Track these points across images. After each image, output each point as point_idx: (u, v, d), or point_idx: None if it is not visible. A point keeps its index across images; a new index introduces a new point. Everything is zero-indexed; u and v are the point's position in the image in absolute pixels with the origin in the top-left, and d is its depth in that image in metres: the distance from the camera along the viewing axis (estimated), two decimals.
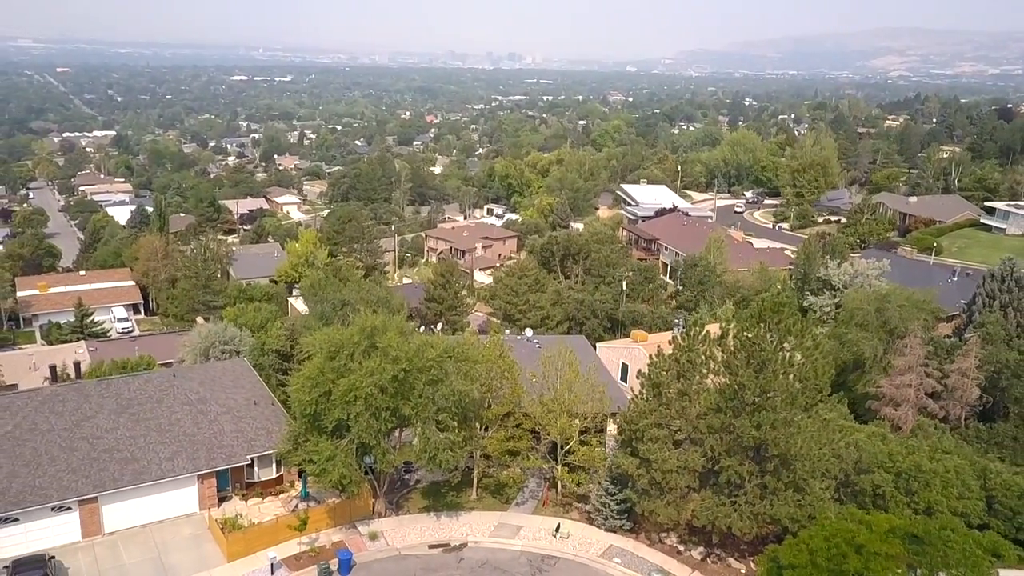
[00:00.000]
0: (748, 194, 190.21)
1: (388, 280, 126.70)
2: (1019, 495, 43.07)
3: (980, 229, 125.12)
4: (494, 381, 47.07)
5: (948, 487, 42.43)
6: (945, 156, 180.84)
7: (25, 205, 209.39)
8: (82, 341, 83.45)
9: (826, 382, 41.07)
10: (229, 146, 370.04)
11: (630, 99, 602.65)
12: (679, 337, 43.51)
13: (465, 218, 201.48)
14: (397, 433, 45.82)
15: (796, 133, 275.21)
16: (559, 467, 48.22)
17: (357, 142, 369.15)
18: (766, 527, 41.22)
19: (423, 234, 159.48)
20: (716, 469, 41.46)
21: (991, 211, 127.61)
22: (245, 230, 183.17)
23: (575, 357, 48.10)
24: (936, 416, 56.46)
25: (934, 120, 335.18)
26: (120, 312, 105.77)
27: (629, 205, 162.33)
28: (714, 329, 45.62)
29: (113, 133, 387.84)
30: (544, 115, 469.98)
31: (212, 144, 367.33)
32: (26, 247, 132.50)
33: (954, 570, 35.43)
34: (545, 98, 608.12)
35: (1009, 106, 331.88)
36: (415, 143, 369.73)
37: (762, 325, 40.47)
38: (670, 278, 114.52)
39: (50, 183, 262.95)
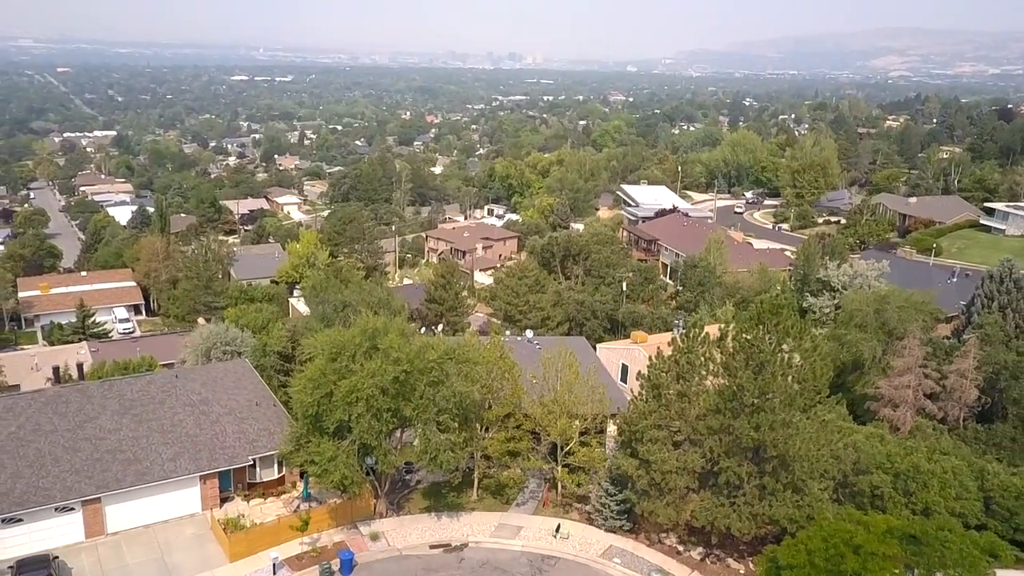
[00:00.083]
0: (748, 194, 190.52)
1: (388, 281, 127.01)
2: (1016, 496, 43.33)
3: (980, 230, 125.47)
4: (494, 382, 47.34)
5: (946, 488, 42.72)
6: (945, 157, 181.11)
7: (26, 205, 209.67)
8: (84, 342, 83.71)
9: (824, 383, 41.31)
10: (230, 146, 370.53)
11: (630, 99, 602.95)
12: (678, 339, 43.77)
13: (465, 218, 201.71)
14: (398, 434, 46.10)
15: (796, 133, 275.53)
16: (559, 468, 48.48)
17: (357, 142, 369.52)
18: (765, 528, 41.46)
19: (424, 235, 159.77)
20: (715, 470, 41.73)
21: (991, 212, 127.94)
22: (246, 230, 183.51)
23: (575, 358, 48.35)
24: (934, 417, 56.70)
25: (934, 120, 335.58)
26: (121, 313, 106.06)
27: (629, 206, 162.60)
28: (713, 330, 45.87)
29: (114, 133, 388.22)
30: (544, 115, 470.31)
31: (213, 144, 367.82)
32: (27, 247, 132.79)
33: (951, 570, 35.68)
34: (545, 98, 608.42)
35: (1009, 106, 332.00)
36: (415, 143, 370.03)
37: (761, 327, 40.70)
38: (670, 279, 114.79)
39: (51, 183, 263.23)
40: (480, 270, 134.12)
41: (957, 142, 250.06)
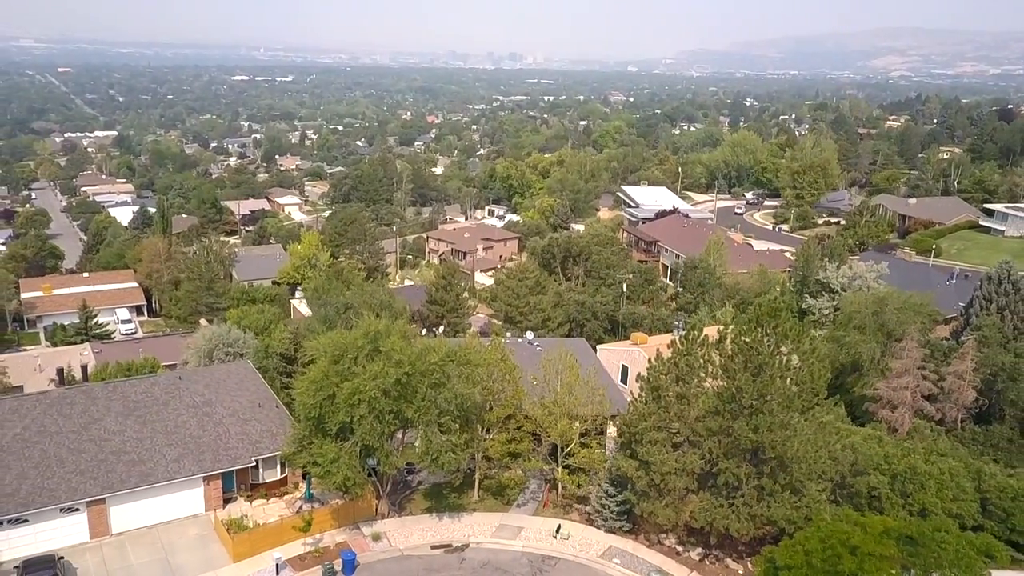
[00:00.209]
0: (748, 195, 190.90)
1: (389, 282, 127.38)
2: (1013, 497, 43.72)
3: (979, 231, 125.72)
4: (495, 384, 47.73)
5: (943, 489, 43.12)
6: (945, 157, 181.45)
7: (28, 206, 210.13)
8: (87, 343, 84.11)
9: (822, 385, 41.67)
10: (231, 146, 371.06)
11: (631, 99, 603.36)
12: (678, 341, 44.13)
13: (466, 219, 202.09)
14: (400, 435, 46.50)
15: (797, 134, 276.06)
16: (559, 469, 48.86)
17: (358, 142, 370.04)
18: (763, 528, 41.83)
19: (424, 235, 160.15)
20: (714, 471, 42.11)
21: (990, 213, 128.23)
22: (247, 231, 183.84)
23: (575, 360, 48.72)
24: (932, 418, 57.11)
25: (935, 121, 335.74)
26: (123, 314, 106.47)
27: (629, 207, 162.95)
28: (712, 332, 46.24)
29: (115, 133, 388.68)
30: (545, 115, 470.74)
31: (214, 144, 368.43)
32: (29, 248, 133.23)
33: (947, 571, 36.04)
34: (546, 98, 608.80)
35: (1010, 107, 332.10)
36: (416, 143, 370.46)
37: (759, 329, 41.05)
38: (670, 280, 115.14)
39: (52, 184, 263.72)
40: (481, 271, 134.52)
41: (957, 143, 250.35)
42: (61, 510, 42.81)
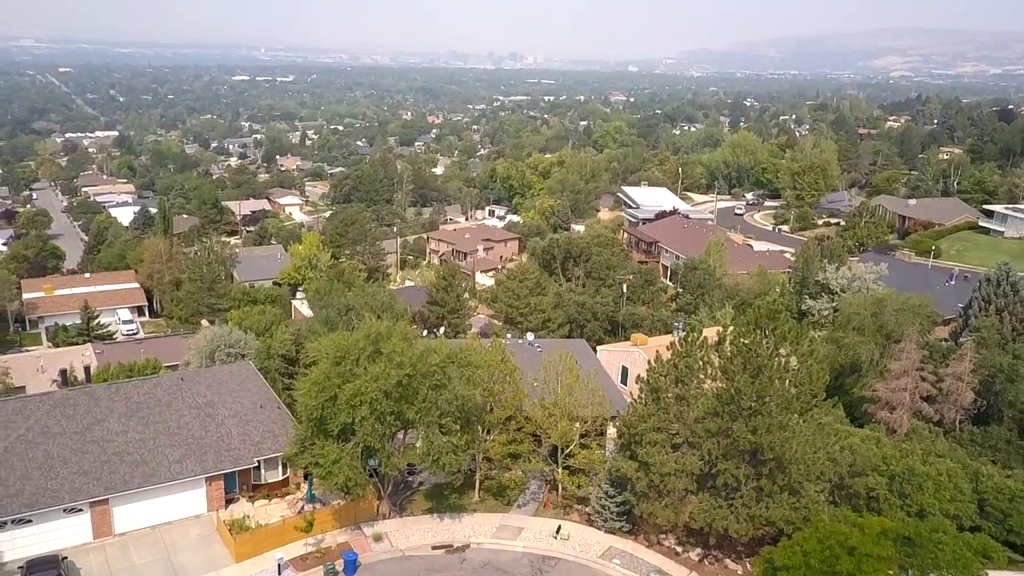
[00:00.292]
0: (748, 196, 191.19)
1: (390, 282, 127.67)
2: (1010, 498, 44.00)
3: (979, 232, 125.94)
4: (496, 385, 47.99)
5: (940, 490, 43.38)
6: (945, 158, 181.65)
7: (29, 206, 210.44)
8: (89, 344, 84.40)
9: (821, 387, 41.93)
10: (231, 147, 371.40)
11: (632, 99, 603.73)
12: (677, 343, 44.39)
13: (467, 219, 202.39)
14: (401, 436, 46.78)
15: (797, 134, 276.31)
16: (559, 470, 49.13)
17: (359, 143, 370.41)
18: (762, 529, 42.09)
19: (425, 236, 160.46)
20: (713, 472, 42.38)
21: (990, 214, 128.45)
22: (248, 231, 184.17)
23: (575, 362, 48.99)
24: (931, 419, 57.35)
25: (935, 121, 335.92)
26: (125, 314, 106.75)
27: (630, 207, 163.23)
28: (712, 334, 46.51)
29: (115, 133, 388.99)
30: (546, 116, 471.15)
31: (214, 145, 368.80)
32: (30, 249, 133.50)
33: (944, 571, 36.31)
34: (547, 98, 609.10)
35: (1010, 107, 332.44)
36: (417, 144, 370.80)
37: (758, 331, 41.32)
38: (670, 281, 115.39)
39: (53, 184, 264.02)
40: (481, 272, 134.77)
41: (958, 143, 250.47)
42: (65, 510, 43.10)
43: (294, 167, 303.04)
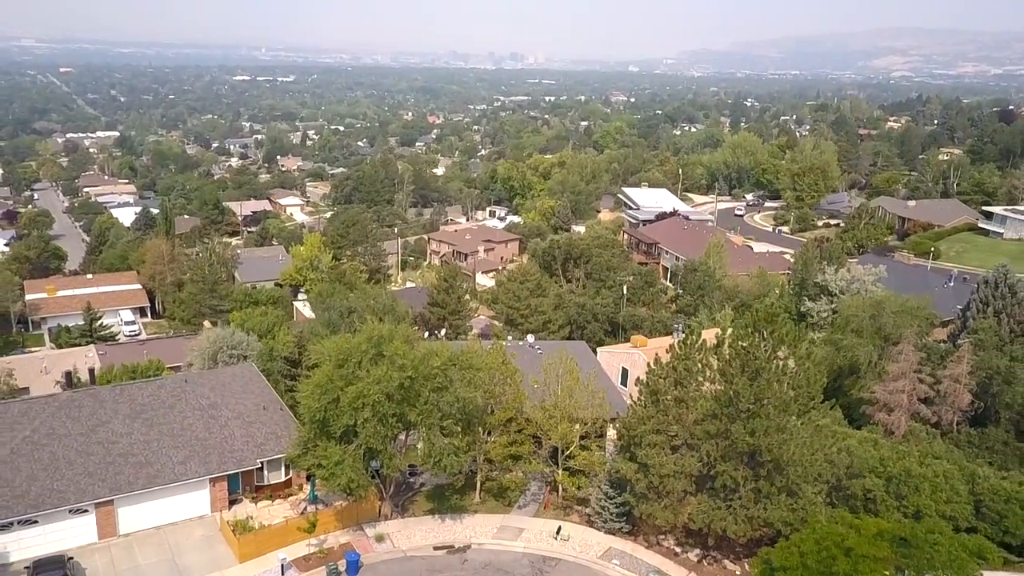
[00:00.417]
0: (749, 197, 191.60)
1: (391, 284, 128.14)
2: (1006, 499, 44.37)
3: (978, 233, 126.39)
4: (496, 387, 48.42)
5: (937, 491, 43.78)
6: (944, 159, 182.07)
7: (30, 207, 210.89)
8: (91, 345, 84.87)
9: (818, 389, 42.33)
10: (232, 147, 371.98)
11: (632, 99, 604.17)
12: (676, 346, 44.81)
13: (467, 220, 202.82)
14: (403, 437, 47.22)
15: (798, 135, 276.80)
16: (560, 471, 49.56)
17: (360, 143, 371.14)
18: (760, 530, 42.49)
19: (426, 237, 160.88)
20: (712, 474, 42.81)
21: (989, 215, 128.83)
22: (249, 232, 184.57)
23: (575, 364, 49.41)
24: (928, 421, 57.76)
25: (935, 122, 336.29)
26: (127, 315, 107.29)
27: (630, 208, 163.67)
28: (710, 336, 46.93)
29: (116, 134, 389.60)
30: (546, 116, 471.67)
31: (215, 145, 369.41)
32: (32, 249, 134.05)
33: (940, 572, 36.74)
34: (547, 98, 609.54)
35: (1011, 108, 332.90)
36: (417, 144, 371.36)
37: (756, 334, 41.74)
38: (670, 282, 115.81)
39: (54, 184, 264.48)
40: (482, 272, 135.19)
41: (958, 144, 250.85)
42: (70, 511, 43.54)
43: (295, 167, 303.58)
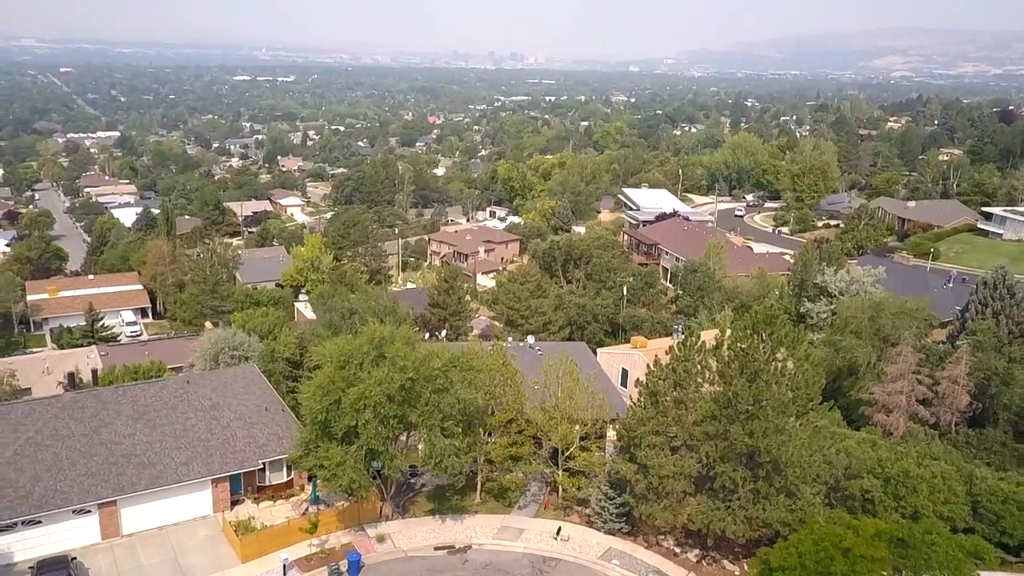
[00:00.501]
0: (749, 197, 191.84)
1: (392, 284, 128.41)
2: (1003, 500, 44.60)
3: (977, 234, 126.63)
4: (497, 388, 48.70)
5: (935, 492, 44.04)
6: (944, 159, 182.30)
7: (31, 207, 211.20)
8: (94, 346, 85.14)
9: (817, 391, 42.59)
10: (233, 147, 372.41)
11: (633, 99, 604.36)
12: (675, 347, 45.09)
13: (468, 220, 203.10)
14: (404, 438, 47.48)
15: (798, 135, 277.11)
16: (560, 472, 49.83)
17: (360, 143, 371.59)
18: (759, 531, 42.74)
19: (426, 237, 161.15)
20: (711, 475, 43.08)
21: (988, 216, 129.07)
22: (250, 232, 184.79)
23: (575, 365, 49.67)
24: (927, 422, 58.00)
25: (935, 122, 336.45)
26: (129, 316, 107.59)
27: (630, 209, 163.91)
28: (709, 337, 47.18)
29: (117, 134, 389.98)
30: (547, 116, 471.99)
31: (216, 145, 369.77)
32: (33, 250, 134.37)
33: (937, 572, 37.01)
34: (548, 98, 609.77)
35: (1011, 108, 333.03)
36: (418, 144, 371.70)
37: (755, 336, 42.01)
38: (670, 283, 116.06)
39: (55, 184, 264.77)
40: (483, 273, 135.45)
41: (958, 144, 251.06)
42: (73, 512, 43.85)
43: (295, 168, 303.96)
